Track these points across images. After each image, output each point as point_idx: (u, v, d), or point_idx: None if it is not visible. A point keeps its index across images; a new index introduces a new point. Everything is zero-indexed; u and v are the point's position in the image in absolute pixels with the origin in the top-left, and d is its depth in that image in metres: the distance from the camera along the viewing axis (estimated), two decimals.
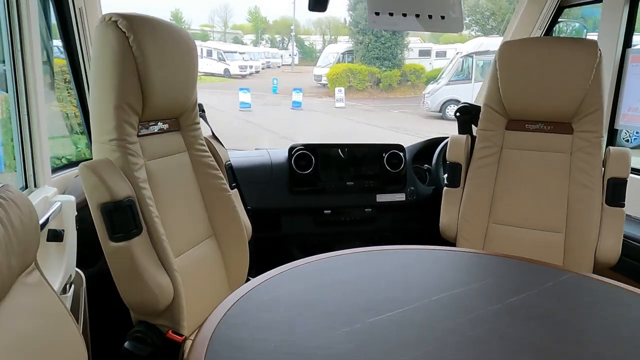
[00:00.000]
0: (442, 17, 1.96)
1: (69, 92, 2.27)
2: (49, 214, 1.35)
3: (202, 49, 21.46)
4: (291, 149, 2.43)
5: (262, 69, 26.37)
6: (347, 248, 1.48)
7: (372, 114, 15.94)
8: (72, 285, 1.52)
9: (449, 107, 14.54)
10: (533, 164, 1.98)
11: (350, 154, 2.51)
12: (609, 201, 1.84)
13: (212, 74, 22.47)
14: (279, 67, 28.86)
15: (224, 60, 22.81)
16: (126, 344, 1.38)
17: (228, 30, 35.55)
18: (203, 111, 1.82)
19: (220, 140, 1.96)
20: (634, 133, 5.27)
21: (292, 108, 15.88)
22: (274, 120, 13.60)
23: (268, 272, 1.21)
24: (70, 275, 1.51)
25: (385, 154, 2.51)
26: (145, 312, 1.39)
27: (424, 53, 22.19)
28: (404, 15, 1.93)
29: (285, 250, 2.51)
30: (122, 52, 1.32)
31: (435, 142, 2.67)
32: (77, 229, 1.54)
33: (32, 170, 1.56)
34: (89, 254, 1.70)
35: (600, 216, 1.85)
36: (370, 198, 2.52)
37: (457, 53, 15.58)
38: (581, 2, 2.51)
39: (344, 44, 24.30)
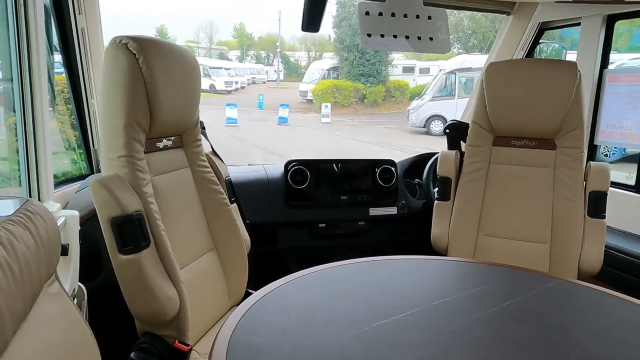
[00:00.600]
0: (431, 39, 2.07)
1: (67, 108, 2.31)
2: None
3: None
4: (287, 164, 2.50)
5: (248, 84, 26.52)
6: (341, 260, 1.54)
7: (358, 129, 16.12)
8: (75, 299, 1.55)
9: (433, 122, 14.81)
10: (519, 178, 2.07)
11: (344, 169, 2.59)
12: (590, 213, 1.95)
13: None
14: (264, 82, 29.03)
15: (210, 76, 22.89)
16: (132, 354, 1.41)
17: (213, 46, 35.71)
18: (204, 128, 1.88)
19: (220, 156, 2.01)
20: (612, 148, 5.46)
21: (279, 123, 15.98)
22: (260, 136, 13.66)
23: (274, 282, 1.27)
24: (74, 289, 1.55)
25: (377, 169, 2.59)
26: (153, 323, 1.42)
27: (408, 70, 22.58)
28: (395, 36, 2.04)
29: (282, 263, 2.56)
30: (132, 73, 1.38)
31: (426, 157, 2.76)
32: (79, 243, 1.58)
33: (36, 185, 1.60)
34: (90, 268, 1.73)
35: (583, 227, 1.94)
36: (363, 212, 2.59)
37: (441, 70, 15.90)
38: (561, 25, 2.65)
39: (329, 60, 24.62)
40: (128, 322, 1.46)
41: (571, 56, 2.71)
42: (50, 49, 2.09)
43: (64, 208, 1.77)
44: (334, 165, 2.58)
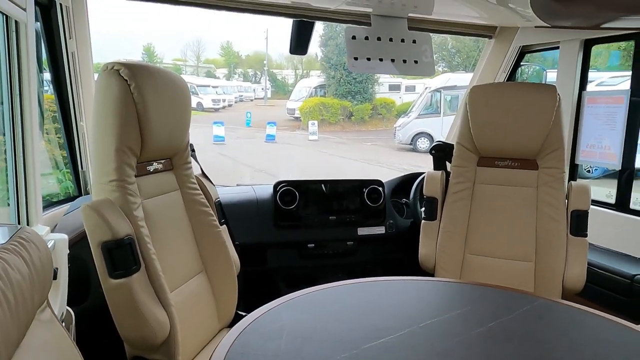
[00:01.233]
0: (416, 62, 2.14)
1: (54, 127, 2.32)
2: None
3: None
4: (276, 185, 2.53)
5: (235, 102, 26.57)
6: (330, 280, 1.56)
7: (345, 147, 16.22)
8: (63, 323, 1.54)
9: (419, 139, 14.97)
10: (503, 198, 2.12)
11: (332, 190, 2.62)
12: (573, 232, 2.00)
13: None
14: (252, 100, 29.13)
15: (197, 94, 22.93)
16: None
17: (201, 64, 35.85)
18: (193, 150, 1.91)
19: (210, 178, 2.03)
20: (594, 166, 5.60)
21: (266, 141, 16.02)
22: (248, 154, 13.67)
23: (267, 304, 1.28)
24: (63, 313, 1.54)
25: (365, 189, 2.63)
26: (143, 347, 1.42)
27: (394, 87, 22.87)
28: (381, 59, 2.10)
29: (271, 284, 2.56)
30: (124, 99, 1.40)
31: (412, 177, 2.81)
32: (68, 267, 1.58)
33: (25, 209, 1.60)
34: (77, 292, 1.72)
35: (566, 246, 1.99)
36: (351, 231, 2.62)
37: (426, 88, 16.14)
38: (540, 48, 2.74)
39: (316, 78, 24.85)
40: (117, 346, 1.45)
41: (552, 74, 2.79)
42: (40, 67, 2.11)
43: (52, 231, 1.78)
44: (322, 185, 2.61)
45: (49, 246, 1.49)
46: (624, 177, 2.38)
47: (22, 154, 1.56)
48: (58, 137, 2.32)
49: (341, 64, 21.27)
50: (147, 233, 1.45)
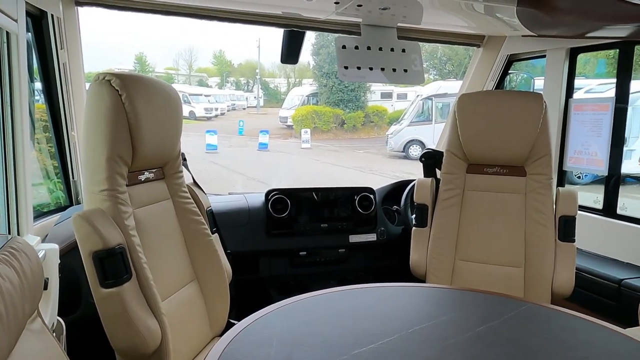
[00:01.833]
0: (405, 70, 2.17)
1: (45, 136, 2.32)
2: None
3: None
4: (268, 193, 2.54)
5: (228, 111, 26.55)
6: (322, 288, 1.57)
7: (338, 155, 16.25)
8: (54, 334, 1.53)
9: (411, 147, 15.03)
10: (492, 204, 2.15)
11: (324, 197, 2.63)
12: (561, 237, 2.02)
13: None
14: (244, 109, 29.13)
15: (189, 103, 22.91)
16: None
17: (193, 73, 35.84)
18: (185, 159, 1.91)
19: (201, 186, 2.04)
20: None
21: (259, 149, 16.01)
22: (241, 162, 13.65)
23: (257, 312, 1.29)
24: (53, 323, 1.53)
25: (356, 197, 2.65)
26: (134, 356, 1.42)
27: (386, 95, 22.98)
28: (371, 68, 2.13)
29: (263, 292, 2.56)
30: (115, 109, 1.41)
31: (403, 184, 2.83)
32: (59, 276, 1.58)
33: (15, 219, 1.60)
34: (68, 302, 1.72)
35: (555, 251, 2.02)
36: (343, 239, 2.63)
37: (418, 96, 16.23)
38: (527, 57, 2.79)
39: (309, 86, 24.92)
40: (108, 356, 1.45)
41: (540, 82, 2.84)
42: (31, 77, 2.11)
43: (43, 241, 1.77)
44: (314, 193, 2.62)
45: (40, 256, 1.48)
46: (610, 183, 2.42)
47: (12, 164, 1.56)
48: (49, 147, 2.32)
49: (333, 72, 21.35)
50: (138, 242, 1.45)
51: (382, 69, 2.13)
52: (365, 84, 21.69)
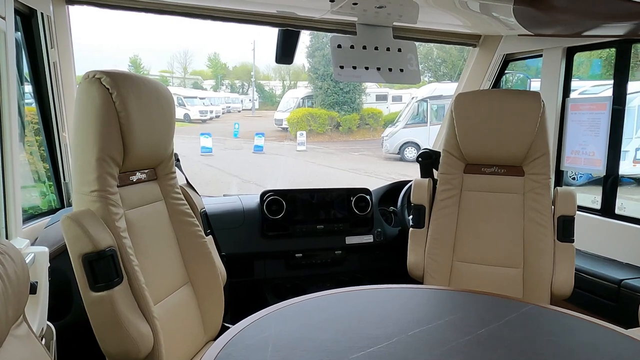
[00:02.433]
0: (401, 70, 2.15)
1: (36, 140, 2.28)
2: None
3: None
4: (263, 194, 2.51)
5: (223, 113, 26.52)
6: (318, 290, 1.54)
7: (334, 157, 16.24)
8: (43, 339, 1.49)
9: (407, 149, 15.05)
10: (490, 205, 2.13)
11: (320, 199, 2.60)
12: (560, 237, 2.00)
13: None
14: (239, 111, 29.10)
15: (184, 105, 22.84)
16: None
17: (188, 76, 35.76)
18: (178, 160, 1.88)
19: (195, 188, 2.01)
20: (579, 172, 5.66)
21: (254, 152, 15.98)
22: (236, 165, 13.61)
23: (252, 315, 1.26)
24: (43, 329, 1.49)
25: (352, 198, 2.62)
26: None
27: (381, 97, 23.02)
28: (366, 68, 2.10)
29: (258, 295, 2.53)
30: (105, 107, 1.38)
31: (400, 185, 2.80)
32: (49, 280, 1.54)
33: (4, 222, 1.56)
34: (59, 306, 1.68)
35: (554, 252, 1.99)
36: (339, 240, 2.60)
37: (413, 98, 16.26)
38: (524, 56, 2.77)
39: (304, 89, 24.92)
40: None
41: (535, 84, 2.83)
42: (21, 80, 2.07)
43: (33, 244, 1.73)
44: (310, 194, 2.59)
45: (29, 259, 1.45)
46: (608, 183, 2.40)
47: (1, 167, 1.52)
48: (41, 150, 2.28)
49: (328, 75, 21.38)
50: (129, 244, 1.41)
51: (378, 69, 2.11)
52: (360, 86, 21.74)
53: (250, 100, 31.04)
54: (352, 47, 2.06)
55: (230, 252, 2.25)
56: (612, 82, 2.39)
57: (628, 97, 2.37)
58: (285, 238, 2.52)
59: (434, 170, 2.33)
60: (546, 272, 1.97)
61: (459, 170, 2.18)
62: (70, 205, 2.25)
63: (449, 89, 13.19)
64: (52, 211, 2.18)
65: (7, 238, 1.56)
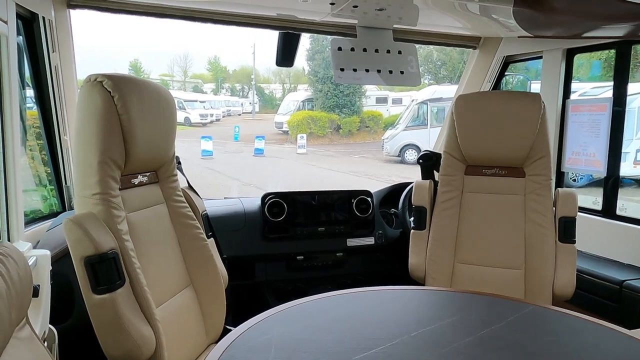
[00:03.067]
0: (402, 72, 2.15)
1: (38, 143, 2.28)
2: None
3: None
4: (264, 197, 2.51)
5: (223, 117, 26.55)
6: (320, 292, 1.54)
7: (334, 160, 16.25)
8: (45, 342, 1.49)
9: (407, 151, 15.06)
10: (491, 206, 2.13)
11: (321, 201, 2.60)
12: (561, 238, 2.00)
13: None
14: (239, 115, 29.12)
15: (184, 109, 22.89)
16: None
17: (188, 80, 35.81)
18: (179, 163, 1.88)
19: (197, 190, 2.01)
20: (580, 174, 5.66)
21: (255, 155, 15.99)
22: (237, 168, 13.62)
23: (254, 317, 1.26)
24: (45, 332, 1.49)
25: (354, 200, 2.62)
26: None
27: (381, 100, 23.05)
28: (367, 70, 2.11)
29: (260, 297, 2.53)
30: (107, 111, 1.38)
31: (400, 187, 2.80)
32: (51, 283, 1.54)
33: (6, 225, 1.56)
34: (61, 309, 1.68)
35: (555, 253, 1.99)
36: (341, 242, 2.60)
37: (413, 100, 16.28)
38: (524, 58, 2.78)
39: (304, 92, 24.95)
40: None
41: (535, 86, 2.83)
42: (22, 84, 2.08)
43: (35, 247, 1.73)
44: (311, 197, 2.59)
45: (31, 262, 1.45)
46: (609, 184, 2.40)
47: (2, 170, 1.52)
48: (43, 155, 2.29)
49: (328, 78, 21.41)
50: (131, 247, 1.41)
51: (379, 71, 2.12)
52: (360, 89, 21.77)
53: (250, 103, 31.06)
54: (352, 49, 2.06)
55: (232, 254, 2.25)
56: (612, 83, 2.40)
57: (628, 98, 2.37)
58: (286, 240, 2.52)
59: (435, 172, 2.33)
60: (548, 273, 1.97)
61: (459, 171, 2.18)
62: (71, 208, 2.25)
63: (449, 91, 13.21)
64: (53, 215, 2.18)
65: (9, 241, 1.56)
